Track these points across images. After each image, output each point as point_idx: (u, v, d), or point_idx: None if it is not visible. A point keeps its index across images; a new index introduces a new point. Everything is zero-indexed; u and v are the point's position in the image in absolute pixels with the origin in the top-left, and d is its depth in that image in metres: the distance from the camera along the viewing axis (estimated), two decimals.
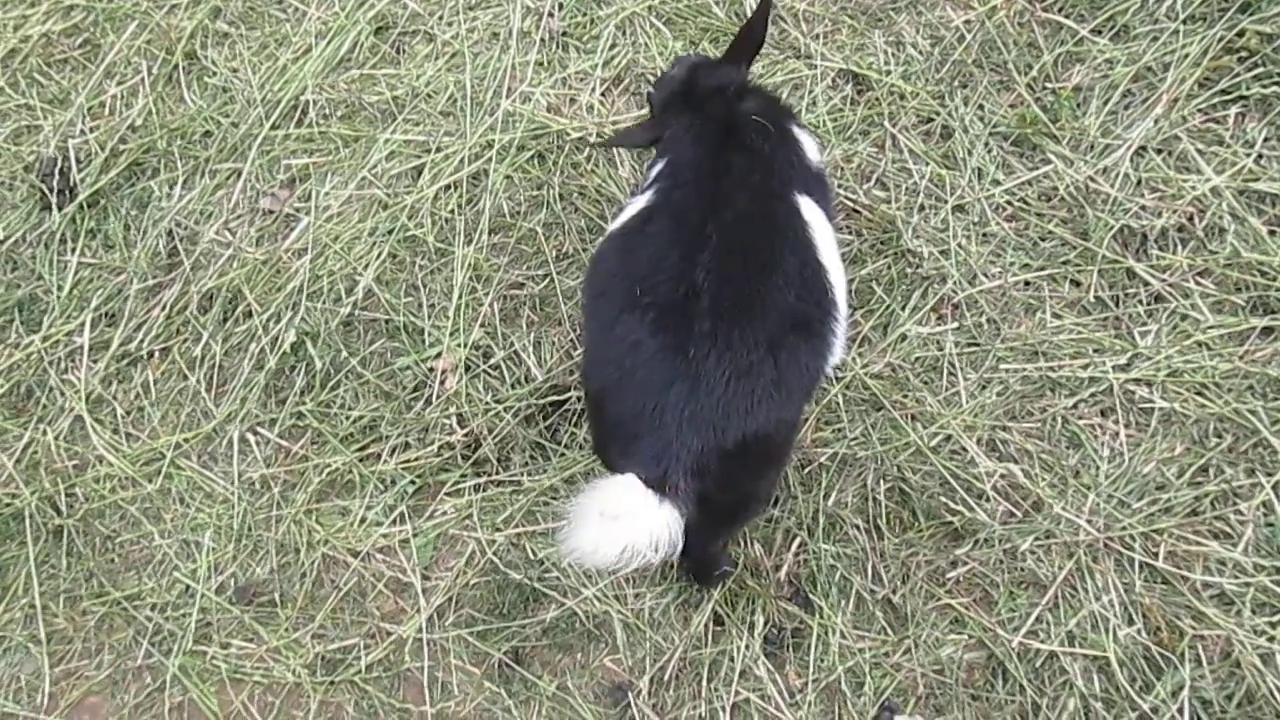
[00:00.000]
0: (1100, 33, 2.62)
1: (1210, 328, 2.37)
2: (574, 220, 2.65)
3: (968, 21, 2.68)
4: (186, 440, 2.63)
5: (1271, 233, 2.40)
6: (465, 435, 2.51)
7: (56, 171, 2.79)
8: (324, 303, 2.63)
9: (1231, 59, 2.51)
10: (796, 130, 2.07)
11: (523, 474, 2.50)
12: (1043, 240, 2.51)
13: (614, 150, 2.68)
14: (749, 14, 2.74)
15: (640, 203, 1.94)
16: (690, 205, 1.84)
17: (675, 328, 1.70)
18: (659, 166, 2.00)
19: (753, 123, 1.96)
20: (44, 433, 2.65)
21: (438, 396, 2.54)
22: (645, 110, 2.71)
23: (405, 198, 2.67)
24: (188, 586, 2.51)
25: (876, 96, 2.66)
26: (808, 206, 1.90)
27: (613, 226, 1.98)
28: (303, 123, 2.81)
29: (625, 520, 1.67)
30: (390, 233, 2.66)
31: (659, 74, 2.58)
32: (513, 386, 2.54)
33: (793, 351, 1.75)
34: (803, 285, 1.80)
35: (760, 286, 1.74)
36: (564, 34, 2.81)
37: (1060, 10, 2.66)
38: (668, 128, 2.08)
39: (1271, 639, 2.17)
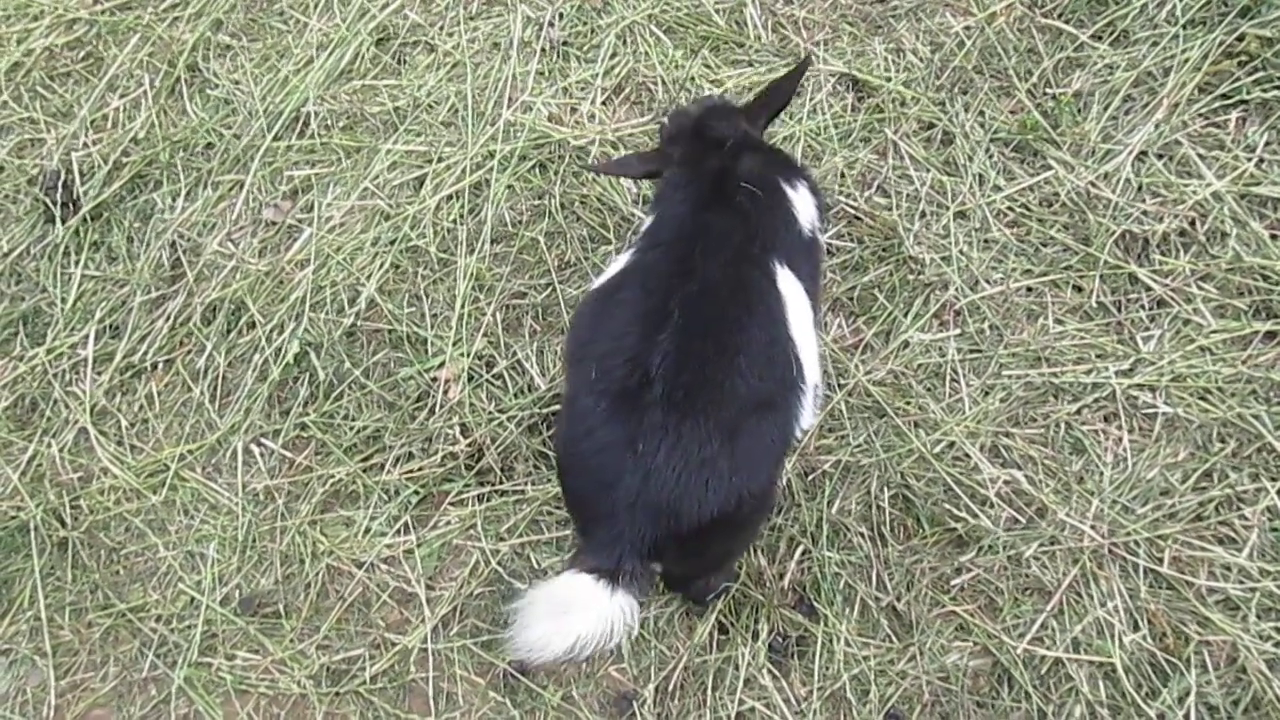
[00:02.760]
0: (1100, 38, 2.63)
1: (1213, 332, 2.37)
2: (576, 229, 2.65)
3: (968, 28, 2.68)
4: (190, 452, 2.63)
5: (1273, 237, 2.40)
6: (468, 445, 2.51)
7: (60, 184, 2.79)
8: (327, 313, 2.64)
9: (1231, 63, 2.51)
10: (794, 190, 1.99)
11: (526, 483, 2.50)
12: (1044, 246, 2.51)
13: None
14: (749, 21, 2.76)
15: (622, 262, 1.89)
16: (661, 272, 1.80)
17: (625, 420, 1.65)
18: (648, 223, 1.96)
19: (742, 188, 1.90)
20: (48, 445, 2.65)
21: (441, 406, 2.54)
22: (644, 119, 2.72)
23: (407, 208, 2.68)
24: (193, 598, 2.52)
25: (877, 103, 2.67)
26: (785, 277, 1.84)
27: (596, 283, 1.93)
28: (305, 134, 2.82)
29: (576, 614, 1.65)
30: (392, 243, 2.66)
31: (676, 106, 2.54)
32: (516, 396, 2.55)
33: (754, 433, 1.70)
34: (767, 364, 1.74)
35: (719, 371, 1.69)
36: (565, 43, 2.82)
37: (1060, 16, 2.66)
38: (668, 162, 2.04)
39: (1277, 644, 2.16)
